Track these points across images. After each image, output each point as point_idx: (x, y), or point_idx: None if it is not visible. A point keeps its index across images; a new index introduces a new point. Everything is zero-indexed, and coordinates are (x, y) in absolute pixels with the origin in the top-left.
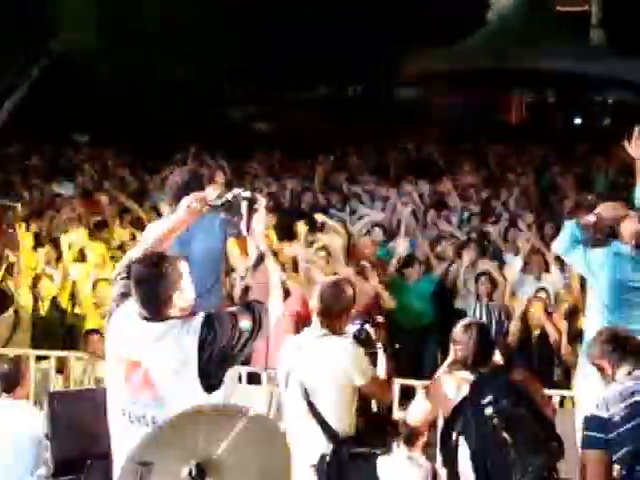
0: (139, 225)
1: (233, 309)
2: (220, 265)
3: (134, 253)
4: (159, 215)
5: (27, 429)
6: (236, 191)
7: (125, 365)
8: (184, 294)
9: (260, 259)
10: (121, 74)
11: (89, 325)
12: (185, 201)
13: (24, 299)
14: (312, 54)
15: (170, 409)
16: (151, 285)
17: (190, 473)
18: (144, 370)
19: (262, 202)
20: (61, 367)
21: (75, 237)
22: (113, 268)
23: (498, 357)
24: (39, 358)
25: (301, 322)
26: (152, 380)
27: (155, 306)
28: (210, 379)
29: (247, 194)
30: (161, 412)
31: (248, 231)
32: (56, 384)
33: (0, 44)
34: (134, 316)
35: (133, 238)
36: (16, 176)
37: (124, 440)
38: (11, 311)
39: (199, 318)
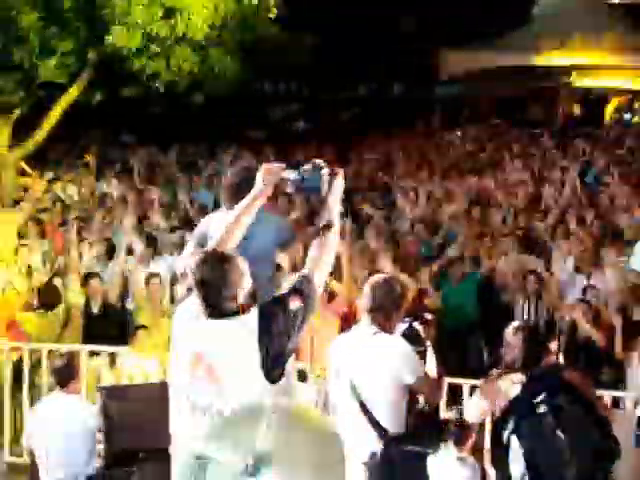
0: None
1: (282, 293)
2: (272, 266)
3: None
4: (206, 213)
5: (81, 423)
6: (316, 161)
7: (190, 359)
8: (245, 291)
9: (327, 227)
10: None
11: (140, 320)
12: (261, 176)
13: (75, 296)
14: (357, 54)
15: (233, 401)
16: (213, 284)
17: (246, 468)
18: (208, 364)
19: (340, 172)
20: (112, 363)
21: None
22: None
23: (553, 357)
24: (91, 354)
25: (347, 322)
26: (215, 373)
27: (217, 304)
28: (272, 369)
29: (324, 164)
30: (225, 404)
31: (325, 199)
32: (107, 379)
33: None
34: (198, 312)
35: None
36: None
37: (188, 432)
38: (61, 308)
39: (254, 312)
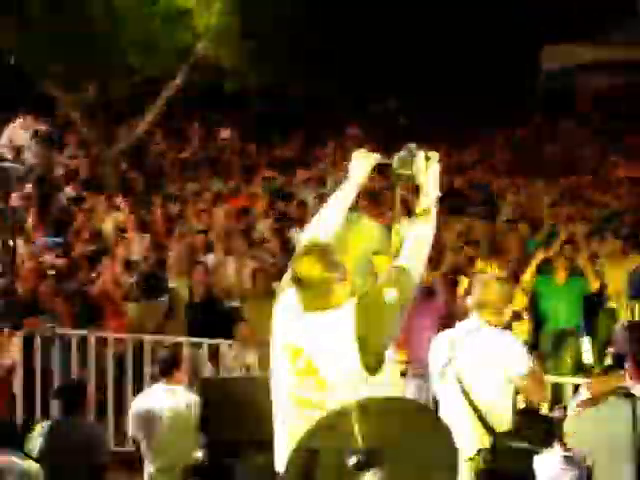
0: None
1: (378, 284)
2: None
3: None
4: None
5: (183, 412)
6: (411, 145)
7: (290, 352)
8: (342, 284)
9: (425, 211)
10: None
11: (243, 313)
12: (356, 157)
13: (180, 288)
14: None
15: (334, 394)
16: (311, 278)
17: (356, 463)
18: (308, 357)
19: (436, 155)
20: (214, 354)
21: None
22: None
23: None
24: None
25: (444, 318)
26: (316, 366)
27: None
28: (370, 362)
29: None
30: (326, 397)
31: (421, 183)
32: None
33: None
34: (297, 306)
35: None
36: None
37: (290, 424)
38: (166, 298)
39: (351, 304)
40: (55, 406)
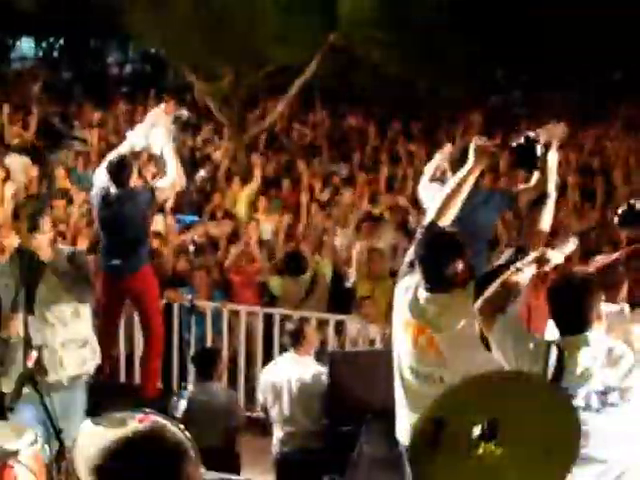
0: None
1: (497, 265)
2: (486, 243)
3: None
4: None
5: (311, 382)
6: (531, 134)
7: (412, 329)
8: (463, 265)
9: (546, 196)
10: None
11: (362, 291)
12: (473, 150)
13: (325, 267)
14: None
15: (454, 369)
16: (434, 262)
17: (481, 433)
18: (429, 334)
19: (554, 143)
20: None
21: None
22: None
23: None
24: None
25: (532, 313)
26: (437, 343)
27: (438, 280)
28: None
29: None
30: (446, 372)
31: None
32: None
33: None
34: (419, 286)
35: None
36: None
37: (411, 396)
38: (308, 275)
39: (471, 285)
40: (192, 372)
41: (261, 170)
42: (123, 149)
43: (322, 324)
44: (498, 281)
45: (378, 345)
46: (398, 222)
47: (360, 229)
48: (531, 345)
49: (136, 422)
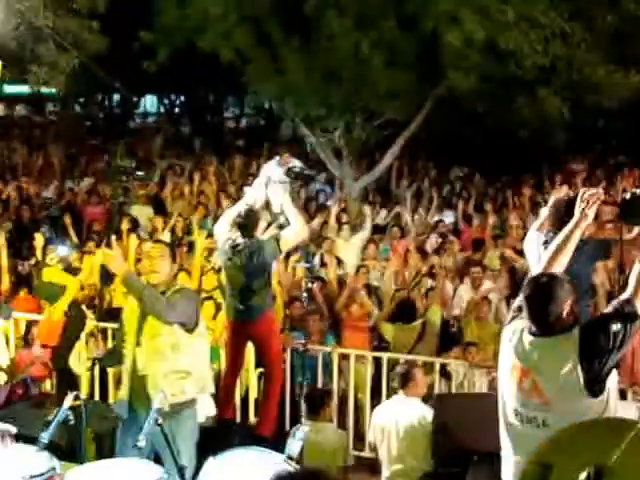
0: None
1: (605, 313)
2: (584, 291)
3: (535, 269)
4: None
5: (418, 423)
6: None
7: (517, 372)
8: (568, 310)
9: None
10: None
11: (469, 337)
12: (581, 202)
13: (434, 314)
14: None
15: (558, 413)
16: (541, 304)
17: (588, 478)
18: (533, 379)
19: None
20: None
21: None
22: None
23: None
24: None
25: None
26: (540, 387)
27: (544, 323)
28: (594, 384)
29: None
30: (550, 415)
31: None
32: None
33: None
34: (525, 330)
35: None
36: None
37: (516, 439)
38: (418, 322)
39: (576, 330)
40: (303, 413)
41: (370, 219)
42: (247, 201)
43: (429, 367)
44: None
45: (483, 389)
46: (506, 269)
47: (466, 276)
48: None
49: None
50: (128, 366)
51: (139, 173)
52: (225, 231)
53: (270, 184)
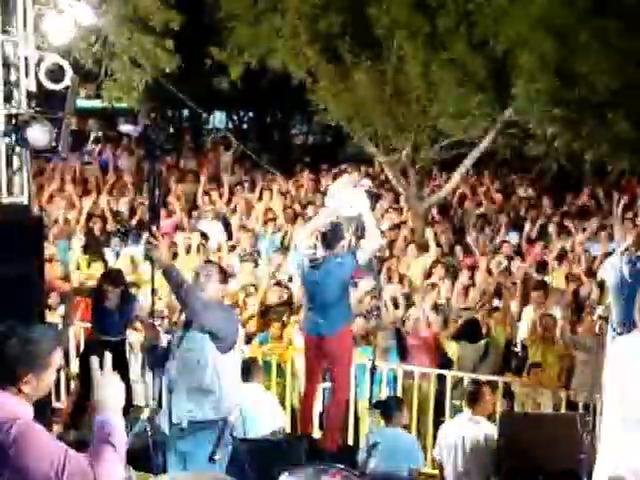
0: None
1: None
2: None
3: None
4: None
5: (484, 441)
6: None
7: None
8: None
9: None
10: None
11: (533, 357)
12: None
13: (499, 335)
14: None
15: None
16: None
17: None
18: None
19: None
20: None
21: None
22: None
23: None
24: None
25: None
26: None
27: None
28: None
29: None
30: None
31: None
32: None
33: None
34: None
35: None
36: None
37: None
38: (483, 342)
39: None
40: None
41: (436, 239)
42: (328, 215)
43: (492, 387)
44: None
45: (546, 409)
46: (571, 290)
47: (530, 297)
48: None
49: (329, 477)
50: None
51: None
52: (305, 245)
53: (354, 199)
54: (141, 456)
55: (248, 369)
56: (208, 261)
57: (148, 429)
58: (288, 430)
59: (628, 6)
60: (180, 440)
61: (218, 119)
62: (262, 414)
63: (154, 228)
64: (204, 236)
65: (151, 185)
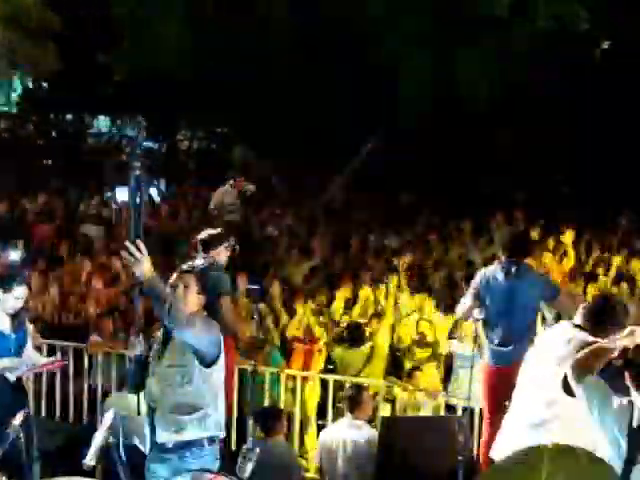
0: None
1: None
2: None
3: None
4: None
5: (364, 444)
6: None
7: None
8: None
9: None
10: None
11: (412, 362)
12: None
13: (381, 338)
14: None
15: None
16: None
17: None
18: None
19: None
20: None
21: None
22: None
23: None
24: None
25: None
26: None
27: None
28: None
29: None
30: None
31: None
32: (385, 411)
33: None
34: None
35: None
36: None
37: None
38: (367, 346)
39: None
40: (252, 429)
41: (319, 244)
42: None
43: (374, 391)
44: (593, 346)
45: (426, 412)
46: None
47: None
48: (615, 404)
49: None
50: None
51: None
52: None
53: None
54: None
55: None
56: (185, 270)
57: (21, 436)
58: None
59: None
60: (162, 461)
61: (102, 123)
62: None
63: (138, 241)
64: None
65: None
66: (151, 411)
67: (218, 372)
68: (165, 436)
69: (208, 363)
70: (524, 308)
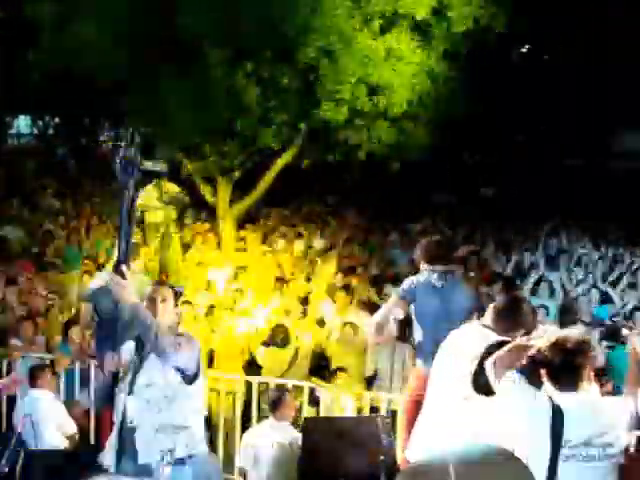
0: None
1: None
2: None
3: None
4: None
5: (287, 446)
6: None
7: None
8: None
9: None
10: None
11: (337, 362)
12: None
13: (305, 339)
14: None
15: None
16: None
17: None
18: None
19: None
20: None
21: None
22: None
23: None
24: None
25: None
26: None
27: None
28: None
29: None
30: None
31: None
32: (309, 412)
33: None
34: None
35: None
36: None
37: None
38: (291, 346)
39: None
40: None
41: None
42: None
43: (298, 392)
44: (511, 345)
45: (350, 413)
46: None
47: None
48: (533, 398)
49: None
50: (119, 414)
51: None
52: None
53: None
54: None
55: None
56: (159, 282)
57: None
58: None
59: None
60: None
61: (23, 124)
62: (51, 423)
63: (123, 266)
64: None
65: None
66: (129, 430)
67: (200, 387)
68: (149, 457)
69: (191, 380)
70: (459, 313)
